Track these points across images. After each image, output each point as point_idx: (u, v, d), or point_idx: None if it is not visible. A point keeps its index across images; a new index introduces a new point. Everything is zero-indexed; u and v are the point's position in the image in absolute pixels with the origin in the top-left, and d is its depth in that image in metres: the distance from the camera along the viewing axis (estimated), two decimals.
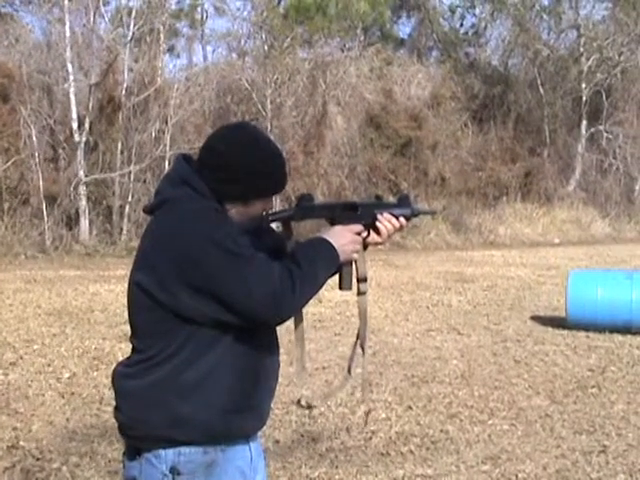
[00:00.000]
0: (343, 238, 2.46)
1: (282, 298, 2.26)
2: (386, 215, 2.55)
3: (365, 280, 2.56)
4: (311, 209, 2.55)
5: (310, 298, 2.38)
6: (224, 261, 2.24)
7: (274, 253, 2.42)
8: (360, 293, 2.58)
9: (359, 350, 2.63)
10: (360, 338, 2.63)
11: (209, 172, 2.39)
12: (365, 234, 2.53)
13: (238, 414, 2.36)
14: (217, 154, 2.41)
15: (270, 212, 2.51)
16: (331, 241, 2.43)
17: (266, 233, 2.57)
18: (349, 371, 2.74)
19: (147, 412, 2.33)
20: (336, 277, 2.54)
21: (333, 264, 2.43)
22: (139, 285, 2.36)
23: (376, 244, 2.58)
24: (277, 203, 16.35)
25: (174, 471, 2.33)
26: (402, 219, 2.56)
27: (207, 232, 2.27)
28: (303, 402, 2.70)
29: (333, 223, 2.51)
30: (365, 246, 2.56)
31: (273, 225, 2.57)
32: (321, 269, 2.39)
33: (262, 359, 2.42)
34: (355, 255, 2.51)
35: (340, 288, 2.56)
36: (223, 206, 2.40)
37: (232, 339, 2.33)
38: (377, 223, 2.54)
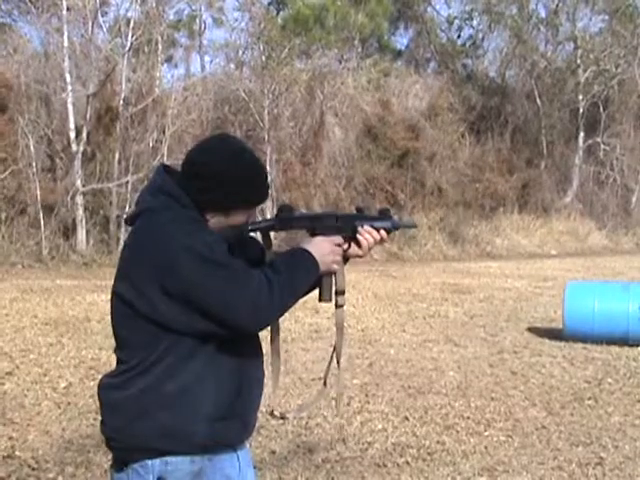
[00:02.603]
0: (323, 249, 2.45)
1: (259, 305, 2.26)
2: (366, 227, 2.54)
3: (343, 293, 2.56)
4: (291, 220, 2.55)
5: (289, 307, 2.37)
6: (200, 268, 2.23)
7: (256, 263, 2.42)
8: (338, 306, 2.57)
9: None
10: (336, 351, 2.62)
11: (190, 182, 2.38)
12: (346, 246, 2.52)
13: (223, 423, 2.35)
14: (198, 165, 2.40)
15: (250, 222, 2.50)
16: (311, 251, 2.42)
17: (249, 243, 2.56)
18: (324, 383, 2.74)
19: (132, 423, 2.32)
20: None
21: (313, 274, 2.42)
22: (119, 295, 2.35)
23: (356, 256, 2.57)
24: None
25: None
26: (382, 232, 2.56)
27: (184, 240, 2.26)
28: (276, 413, 2.70)
29: (313, 234, 2.50)
30: (346, 259, 2.56)
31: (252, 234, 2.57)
32: (301, 278, 2.38)
33: (245, 367, 2.40)
34: (335, 266, 2.50)
35: (320, 300, 2.55)
36: (203, 216, 2.39)
37: (214, 348, 2.32)
38: (357, 235, 2.53)
